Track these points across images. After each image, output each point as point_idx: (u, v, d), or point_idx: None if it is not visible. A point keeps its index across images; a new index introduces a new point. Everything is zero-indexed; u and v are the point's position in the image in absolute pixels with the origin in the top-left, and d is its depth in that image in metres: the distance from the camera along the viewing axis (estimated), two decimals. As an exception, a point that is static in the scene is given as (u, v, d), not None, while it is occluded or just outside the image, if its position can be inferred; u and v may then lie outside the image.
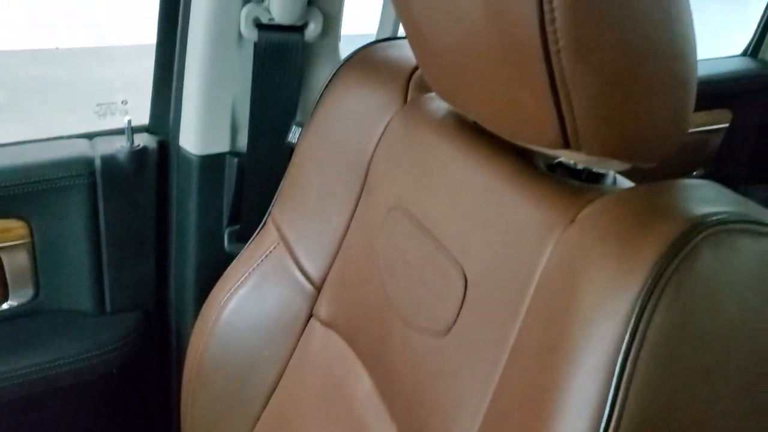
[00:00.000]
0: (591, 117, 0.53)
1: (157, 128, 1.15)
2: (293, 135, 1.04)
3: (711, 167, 1.52)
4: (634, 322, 0.47)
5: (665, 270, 0.47)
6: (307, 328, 0.89)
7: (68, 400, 1.14)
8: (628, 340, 0.47)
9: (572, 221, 0.57)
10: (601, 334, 0.49)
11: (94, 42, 4.44)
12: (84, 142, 1.11)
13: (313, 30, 1.02)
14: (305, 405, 0.87)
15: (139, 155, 1.09)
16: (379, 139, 0.83)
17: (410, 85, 0.83)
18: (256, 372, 0.91)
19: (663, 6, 0.51)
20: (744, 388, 0.51)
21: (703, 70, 1.54)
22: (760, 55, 1.54)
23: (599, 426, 0.47)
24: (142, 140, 1.11)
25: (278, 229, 0.93)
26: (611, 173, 0.66)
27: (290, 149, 1.01)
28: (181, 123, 1.08)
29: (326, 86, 0.91)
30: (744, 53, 1.57)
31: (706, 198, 0.55)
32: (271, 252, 0.93)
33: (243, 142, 1.07)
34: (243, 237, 1.06)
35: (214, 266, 1.03)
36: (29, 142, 1.11)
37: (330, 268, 0.88)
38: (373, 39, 0.94)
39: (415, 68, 0.84)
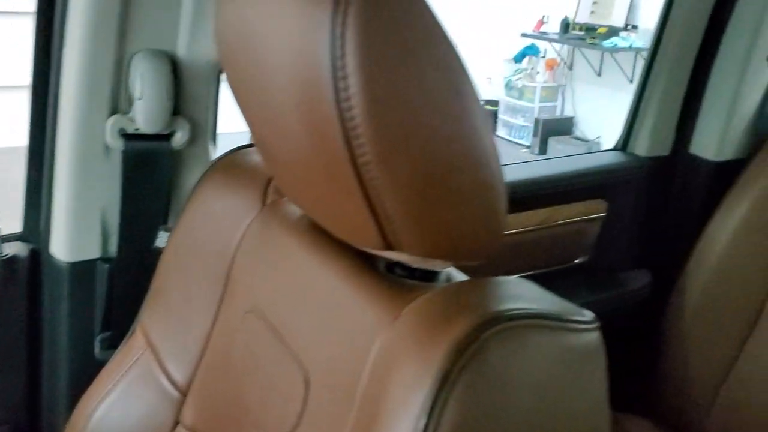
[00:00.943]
0: (406, 222, 0.56)
1: (29, 235, 1.13)
2: (161, 240, 1.05)
3: (591, 255, 1.59)
4: (427, 418, 0.49)
5: (454, 366, 0.50)
6: None
7: None
8: None
9: (396, 318, 0.59)
10: (403, 430, 0.50)
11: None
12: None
13: (180, 138, 1.05)
14: None
15: (8, 264, 1.07)
16: (239, 242, 0.85)
17: (269, 190, 0.86)
18: None
19: (464, 124, 0.56)
20: None
21: (579, 164, 1.63)
22: (629, 149, 1.65)
23: None
24: (14, 248, 1.09)
25: (146, 335, 0.92)
26: (445, 270, 0.69)
27: (158, 254, 1.02)
28: (52, 230, 1.07)
29: (192, 191, 0.92)
30: (615, 147, 1.68)
31: (510, 295, 0.58)
32: (138, 359, 0.92)
33: (114, 248, 1.07)
34: (114, 344, 1.04)
35: (87, 374, 1.00)
36: None
37: (194, 373, 0.87)
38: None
39: None
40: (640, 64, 5.14)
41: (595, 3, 6.17)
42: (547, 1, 6.60)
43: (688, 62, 1.58)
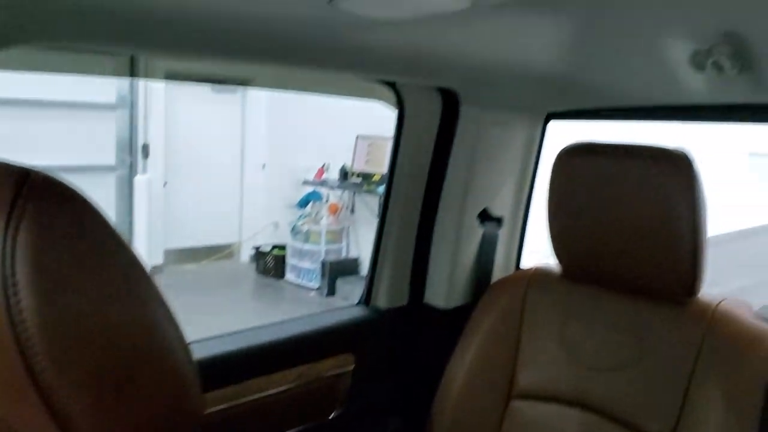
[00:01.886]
0: (89, 421, 0.58)
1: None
2: None
3: (345, 408, 1.65)
4: None
5: None
6: None
7: None
8: None
9: None
10: None
11: None
12: None
13: None
14: None
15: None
16: None
17: None
18: None
19: (144, 320, 0.60)
20: None
21: (327, 321, 1.72)
22: (371, 302, 1.77)
23: None
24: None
25: None
26: None
27: None
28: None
29: None
30: (359, 302, 1.80)
31: None
32: None
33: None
34: None
35: None
36: None
37: None
38: None
39: None
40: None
41: (369, 153, 6.66)
42: (327, 150, 7.02)
43: (413, 220, 1.77)
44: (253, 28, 1.09)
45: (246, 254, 7.73)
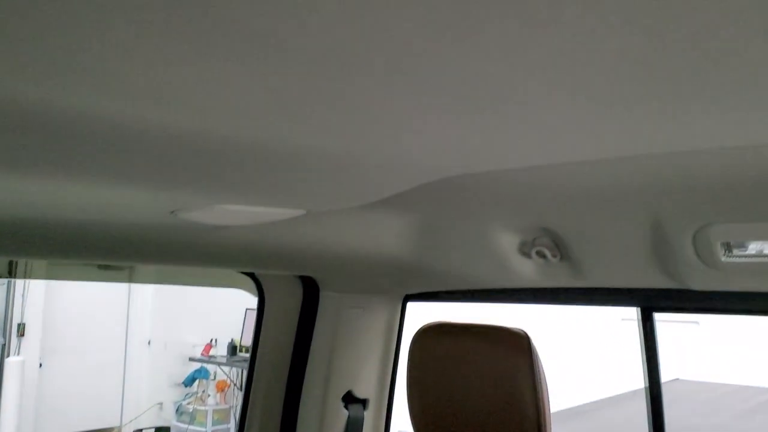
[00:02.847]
0: None
1: None
2: None
3: None
4: None
5: None
6: None
7: None
8: None
9: None
10: None
11: None
12: None
13: None
14: None
15: None
16: None
17: None
18: None
19: None
20: None
21: None
22: None
23: None
24: None
25: None
26: None
27: None
28: None
29: None
30: None
31: None
32: None
33: None
34: None
35: None
36: None
37: None
38: None
39: None
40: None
41: (258, 326, 6.60)
42: (215, 325, 6.91)
43: (277, 405, 1.78)
44: (105, 233, 1.15)
45: (127, 438, 7.26)
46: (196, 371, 6.90)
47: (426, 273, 1.64)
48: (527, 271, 1.48)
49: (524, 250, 1.46)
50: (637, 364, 1.68)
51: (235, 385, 6.79)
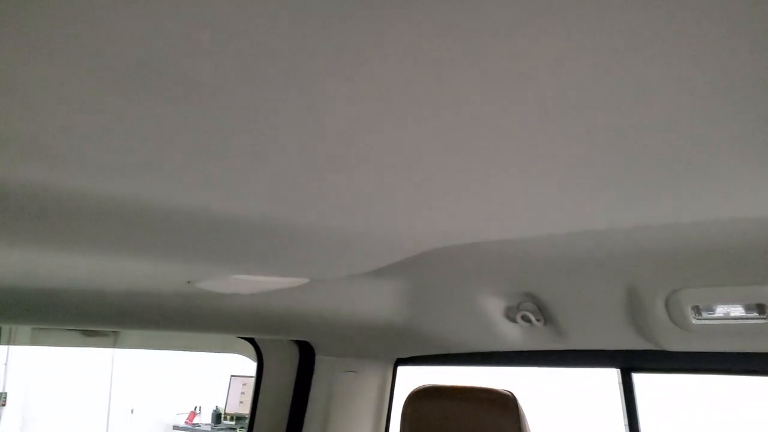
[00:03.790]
0: None
1: None
2: None
3: None
4: None
5: None
6: None
7: None
8: None
9: None
10: None
11: None
12: None
13: None
14: None
15: None
16: None
17: None
18: None
19: None
20: None
21: None
22: None
23: None
24: None
25: None
26: None
27: None
28: None
29: None
30: None
31: None
32: None
33: None
34: None
35: None
36: None
37: None
38: None
39: None
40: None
41: (243, 393, 6.55)
42: (199, 392, 6.84)
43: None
44: (121, 301, 1.23)
45: None
46: (179, 440, 6.80)
47: (416, 337, 1.72)
48: (513, 335, 1.57)
49: (510, 315, 1.55)
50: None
51: (219, 453, 6.69)
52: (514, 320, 1.54)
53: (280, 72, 0.48)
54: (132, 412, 7.43)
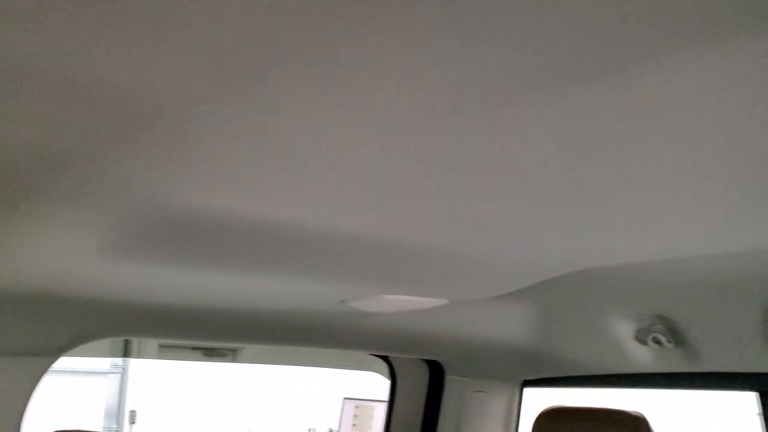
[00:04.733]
0: None
1: None
2: None
3: None
4: None
5: None
6: None
7: None
8: None
9: None
10: None
11: None
12: None
13: None
14: None
15: None
16: None
17: None
18: None
19: None
20: None
21: None
22: None
23: None
24: None
25: None
26: None
27: None
28: None
29: None
30: None
31: None
32: None
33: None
34: None
35: None
36: None
37: None
38: None
39: None
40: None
41: (356, 416, 6.65)
42: (313, 413, 7.00)
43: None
44: (276, 318, 1.36)
45: None
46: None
47: (544, 359, 1.77)
48: (643, 357, 1.59)
49: (640, 337, 1.57)
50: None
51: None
52: (644, 342, 1.56)
53: (453, 109, 0.55)
54: (250, 432, 7.68)
